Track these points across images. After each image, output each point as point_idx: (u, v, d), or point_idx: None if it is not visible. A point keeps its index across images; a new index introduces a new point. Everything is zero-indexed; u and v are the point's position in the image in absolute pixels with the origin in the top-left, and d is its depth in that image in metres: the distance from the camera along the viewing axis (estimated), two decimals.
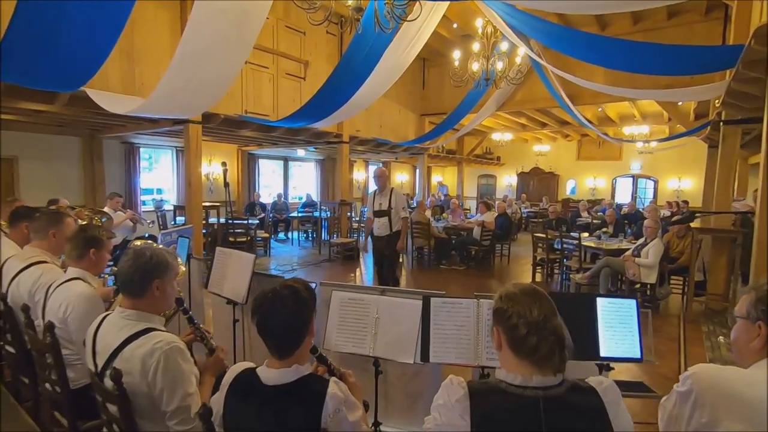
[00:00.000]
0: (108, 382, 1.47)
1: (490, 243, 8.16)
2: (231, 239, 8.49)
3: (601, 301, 2.02)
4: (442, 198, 14.71)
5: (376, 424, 2.37)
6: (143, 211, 9.65)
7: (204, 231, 7.69)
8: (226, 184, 4.13)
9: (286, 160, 13.32)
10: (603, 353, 1.98)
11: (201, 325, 1.90)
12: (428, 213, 9.77)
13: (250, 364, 1.37)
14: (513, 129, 14.06)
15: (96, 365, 1.58)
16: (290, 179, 13.68)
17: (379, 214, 5.13)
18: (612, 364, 2.00)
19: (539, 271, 7.44)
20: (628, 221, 8.98)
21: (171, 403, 1.48)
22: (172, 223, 8.79)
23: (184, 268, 2.57)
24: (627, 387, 1.75)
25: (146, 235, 5.22)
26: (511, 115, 11.83)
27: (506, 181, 18.36)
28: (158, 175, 10.71)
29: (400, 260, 8.05)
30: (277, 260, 8.73)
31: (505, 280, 7.46)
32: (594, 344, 1.99)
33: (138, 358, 1.50)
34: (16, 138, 7.78)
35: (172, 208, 9.63)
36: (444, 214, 9.62)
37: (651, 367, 2.93)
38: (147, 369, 1.49)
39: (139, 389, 1.49)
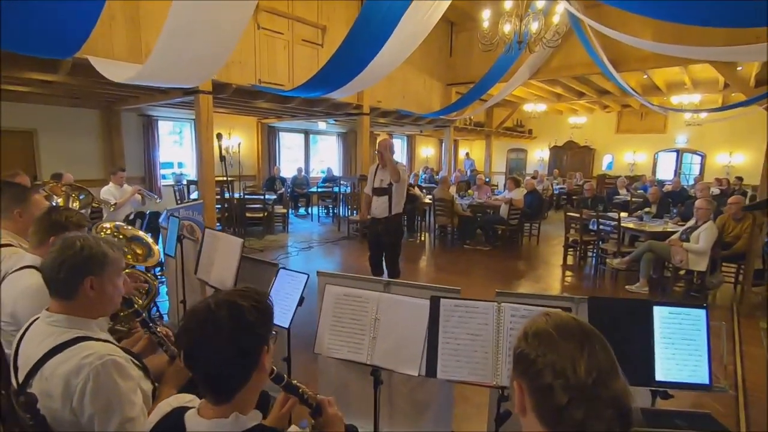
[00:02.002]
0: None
1: (518, 222, 7.64)
2: (248, 215, 8.32)
3: (659, 311, 1.58)
4: (468, 173, 14.02)
5: None
6: (162, 185, 9.61)
7: (219, 207, 7.49)
8: (222, 158, 3.79)
9: (307, 133, 12.97)
10: (659, 377, 1.55)
11: (158, 328, 1.59)
12: (453, 189, 9.26)
13: (186, 401, 1.03)
14: (547, 99, 13.10)
15: (17, 382, 1.28)
16: (311, 153, 13.36)
17: (378, 191, 4.35)
18: (671, 391, 1.57)
19: (571, 253, 6.89)
20: (672, 200, 8.19)
21: None
22: (188, 198, 8.66)
23: (156, 254, 2.26)
24: (690, 421, 1.33)
25: (147, 212, 5.04)
26: (546, 83, 10.94)
27: (537, 155, 17.43)
28: (179, 149, 10.60)
29: (422, 239, 7.65)
30: (294, 237, 8.51)
31: (533, 262, 6.96)
32: (647, 365, 1.56)
33: (60, 377, 1.19)
34: (34, 111, 7.73)
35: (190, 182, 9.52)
36: (469, 191, 9.09)
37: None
38: (71, 391, 1.18)
39: (61, 417, 1.19)
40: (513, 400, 0.80)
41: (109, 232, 1.99)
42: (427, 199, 8.46)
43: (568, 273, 6.38)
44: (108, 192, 5.60)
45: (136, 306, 1.41)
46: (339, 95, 7.57)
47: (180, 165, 10.67)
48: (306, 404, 1.22)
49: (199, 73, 4.87)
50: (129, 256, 1.98)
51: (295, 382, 1.21)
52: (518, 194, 7.50)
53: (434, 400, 2.24)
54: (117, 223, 2.22)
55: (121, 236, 2.02)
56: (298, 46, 7.68)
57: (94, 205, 5.28)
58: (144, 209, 5.96)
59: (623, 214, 6.44)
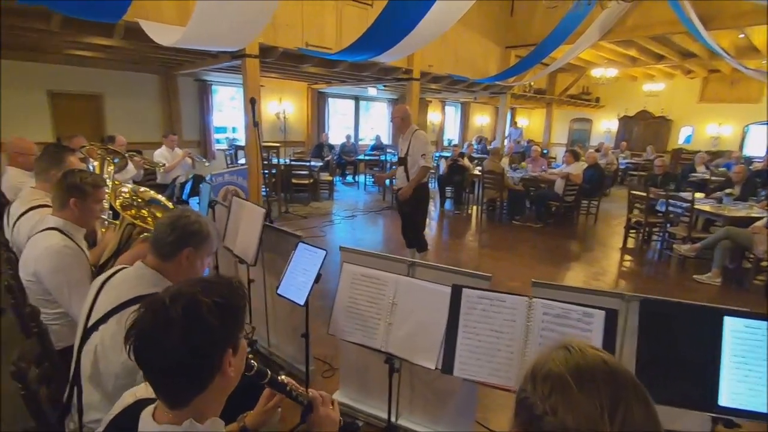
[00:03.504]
0: (90, 345, 1.27)
1: (574, 199, 7.08)
2: (294, 181, 8.40)
3: (732, 323, 1.29)
4: (514, 144, 13.07)
5: (392, 428, 1.94)
6: (216, 149, 9.93)
7: (266, 172, 7.59)
8: (256, 123, 3.72)
9: (357, 99, 12.74)
10: (724, 401, 1.28)
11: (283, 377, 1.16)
12: (505, 161, 8.74)
13: (148, 395, 0.92)
14: (619, 64, 11.79)
15: (87, 322, 1.33)
16: (362, 120, 13.16)
17: (399, 162, 4.17)
18: (737, 420, 1.29)
19: (632, 235, 6.30)
20: (762, 181, 7.17)
21: None
22: (236, 163, 8.88)
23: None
24: None
25: (191, 179, 5.17)
26: (619, 45, 9.80)
27: (604, 126, 16.01)
28: (234, 113, 10.79)
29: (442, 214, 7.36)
30: (339, 204, 8.51)
31: (588, 243, 6.46)
32: (710, 386, 1.29)
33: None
34: (101, 75, 8.13)
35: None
36: (522, 164, 8.52)
37: None
38: None
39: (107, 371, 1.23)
40: None
41: (127, 195, 1.98)
42: (477, 171, 8.05)
43: (627, 257, 5.84)
44: (160, 155, 5.82)
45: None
46: (387, 59, 7.25)
47: (234, 130, 10.93)
48: (296, 401, 1.11)
49: (240, 36, 4.79)
50: (149, 219, 1.95)
51: (282, 378, 1.10)
52: (576, 168, 6.91)
53: (457, 390, 2.09)
54: (134, 186, 2.20)
55: (139, 199, 2.00)
56: (347, 7, 7.38)
57: (146, 167, 5.53)
58: (194, 173, 6.16)
59: (699, 195, 5.72)
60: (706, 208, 5.25)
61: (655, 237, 6.15)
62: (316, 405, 1.12)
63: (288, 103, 11.11)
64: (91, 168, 2.59)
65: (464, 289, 1.55)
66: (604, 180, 7.58)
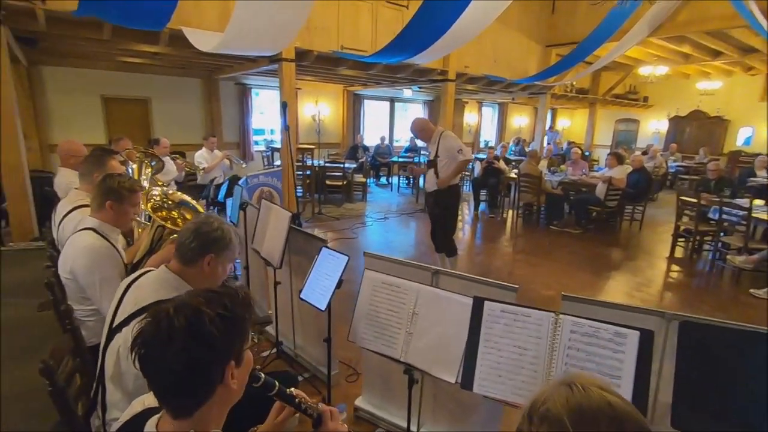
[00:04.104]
0: (114, 346, 1.33)
1: (617, 204, 6.73)
2: (328, 182, 8.50)
3: None
4: (554, 147, 12.55)
5: None
6: (255, 151, 10.22)
7: (300, 174, 7.72)
8: (287, 127, 3.76)
9: (392, 100, 12.75)
10: None
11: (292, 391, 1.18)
12: (543, 164, 8.45)
13: (157, 404, 0.92)
14: (670, 61, 11.11)
15: (113, 321, 1.38)
16: (398, 121, 13.15)
17: (429, 164, 4.16)
18: None
19: (681, 244, 5.91)
20: None
21: None
22: (273, 164, 9.08)
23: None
24: None
25: (226, 181, 5.32)
26: (670, 41, 9.22)
27: (653, 126, 15.15)
28: (275, 116, 11.05)
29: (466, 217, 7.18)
30: (372, 206, 8.53)
31: (632, 251, 6.12)
32: (761, 419, 1.16)
33: None
34: (149, 80, 8.57)
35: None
36: (561, 166, 8.20)
37: None
38: None
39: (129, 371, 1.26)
40: None
41: (158, 198, 2.05)
42: (513, 174, 7.83)
43: (674, 267, 5.48)
44: (201, 156, 6.04)
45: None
46: (422, 60, 7.19)
47: (272, 132, 11.21)
48: (305, 414, 1.10)
49: (276, 41, 4.89)
50: (179, 221, 2.01)
51: (291, 390, 1.09)
52: (620, 172, 6.56)
53: (482, 403, 2.01)
54: (165, 189, 2.27)
55: (169, 201, 2.07)
56: (383, 9, 7.38)
57: (187, 168, 5.76)
58: (233, 174, 6.36)
59: (758, 202, 5.28)
60: (766, 216, 4.84)
61: (706, 246, 5.75)
62: (325, 420, 1.10)
63: (324, 105, 11.27)
64: (130, 170, 2.72)
65: (486, 302, 1.49)
66: (650, 184, 7.16)
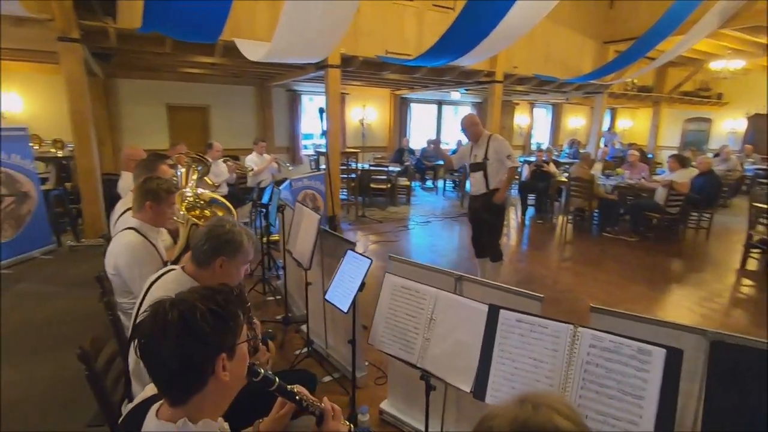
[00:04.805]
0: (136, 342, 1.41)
1: (680, 210, 6.21)
2: (372, 185, 8.60)
3: None
4: (610, 149, 11.80)
5: None
6: (303, 155, 10.56)
7: (345, 177, 7.88)
8: (324, 132, 3.86)
9: (439, 103, 12.66)
10: None
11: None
12: (598, 167, 8.00)
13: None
14: (747, 54, 10.08)
15: (136, 317, 1.49)
16: (447, 124, 13.04)
17: (474, 167, 4.05)
18: None
19: (754, 255, 5.34)
20: None
21: None
22: (319, 168, 9.32)
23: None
24: None
25: (272, 185, 5.54)
26: (746, 32, 8.40)
27: (727, 126, 13.82)
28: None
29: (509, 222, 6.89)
30: (416, 210, 8.51)
31: (696, 262, 5.62)
32: None
33: None
34: (207, 89, 9.14)
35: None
36: (618, 170, 7.71)
37: None
38: None
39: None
40: None
41: (191, 198, 2.19)
42: (563, 177, 7.49)
43: (745, 281, 4.97)
44: (251, 160, 6.34)
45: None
46: (467, 62, 7.10)
47: (321, 136, 11.53)
48: (306, 411, 1.12)
49: (319, 49, 5.03)
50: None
51: (293, 388, 1.12)
52: (682, 176, 6.06)
53: None
54: (199, 190, 2.42)
55: (201, 201, 2.20)
56: (429, 12, 7.37)
57: (238, 171, 6.07)
58: (281, 177, 6.62)
59: None
60: None
61: None
62: (327, 418, 1.13)
63: (371, 109, 11.42)
64: (179, 174, 2.92)
65: (501, 311, 1.44)
66: (719, 189, 6.55)
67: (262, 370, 1.04)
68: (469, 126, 4.03)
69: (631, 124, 16.30)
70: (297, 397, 1.11)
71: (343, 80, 8.13)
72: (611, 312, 1.60)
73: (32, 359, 2.89)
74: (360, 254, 2.06)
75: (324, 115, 3.54)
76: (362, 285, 1.97)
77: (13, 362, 2.84)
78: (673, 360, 1.17)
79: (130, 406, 1.02)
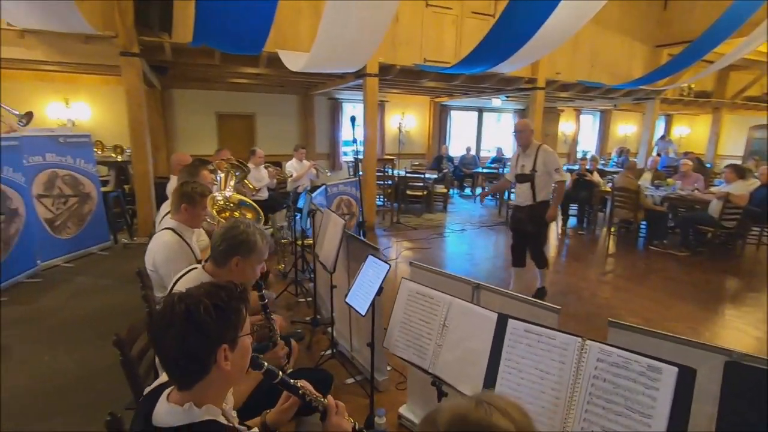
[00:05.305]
0: None
1: (738, 224, 5.77)
2: (408, 192, 8.64)
3: None
4: (669, 156, 11.11)
5: None
6: (343, 161, 10.79)
7: (381, 183, 7.97)
8: (354, 140, 3.95)
9: (480, 110, 12.53)
10: None
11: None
12: (647, 177, 7.59)
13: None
14: None
15: None
16: (486, 131, 12.87)
17: (521, 178, 4.02)
18: None
19: None
20: None
21: None
22: (357, 174, 9.47)
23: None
24: None
25: (308, 188, 5.72)
26: None
27: None
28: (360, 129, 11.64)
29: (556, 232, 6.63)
30: (453, 217, 8.45)
31: (753, 281, 5.20)
32: None
33: None
34: (254, 98, 9.60)
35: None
36: (669, 180, 7.28)
37: None
38: None
39: None
40: None
41: (221, 202, 2.33)
42: (608, 187, 7.17)
43: None
44: (291, 166, 6.59)
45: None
46: (507, 69, 7.01)
47: (361, 143, 11.73)
48: (309, 406, 1.18)
49: (356, 57, 5.17)
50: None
51: (297, 382, 1.18)
52: (740, 188, 5.63)
53: None
54: (227, 193, 2.56)
55: (231, 204, 2.33)
56: (468, 20, 7.37)
57: (278, 177, 6.33)
58: (318, 182, 6.82)
59: None
60: None
61: None
62: (330, 413, 1.18)
63: (411, 116, 11.50)
64: (218, 179, 3.11)
65: (510, 320, 1.43)
66: None
67: (265, 363, 1.11)
68: (522, 129, 4.02)
69: (689, 131, 15.32)
70: (300, 392, 1.17)
71: (382, 88, 8.26)
72: (629, 327, 1.55)
73: (85, 347, 3.16)
74: (380, 259, 2.11)
75: (355, 123, 3.64)
76: (380, 289, 2.02)
77: (69, 350, 3.12)
78: (686, 379, 1.12)
79: (147, 389, 1.13)
